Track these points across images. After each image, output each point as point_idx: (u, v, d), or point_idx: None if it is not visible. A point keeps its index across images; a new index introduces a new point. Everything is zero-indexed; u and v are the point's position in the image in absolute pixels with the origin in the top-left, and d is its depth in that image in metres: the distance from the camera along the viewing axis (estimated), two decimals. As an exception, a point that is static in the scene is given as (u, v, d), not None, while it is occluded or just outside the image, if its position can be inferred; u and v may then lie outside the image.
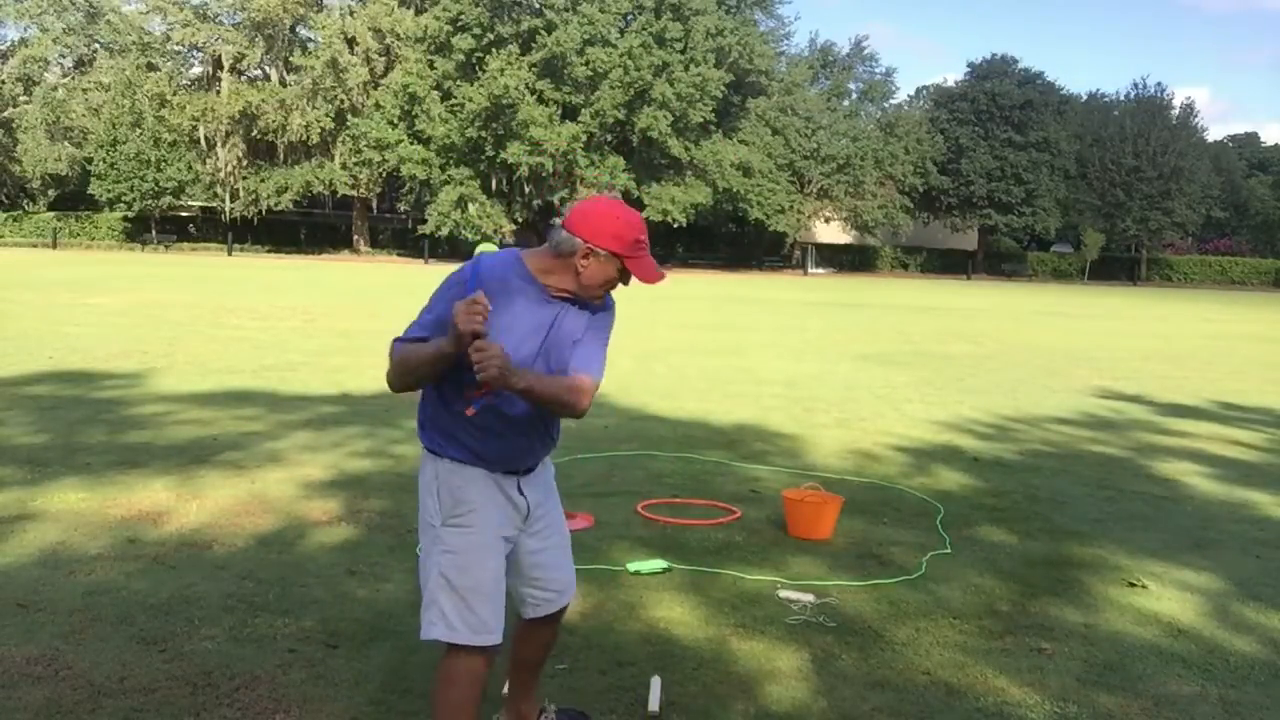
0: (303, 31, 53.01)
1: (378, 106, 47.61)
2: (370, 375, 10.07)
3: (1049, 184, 58.69)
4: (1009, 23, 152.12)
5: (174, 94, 49.00)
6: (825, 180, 53.88)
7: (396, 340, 2.46)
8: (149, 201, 46.81)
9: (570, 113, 46.49)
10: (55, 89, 50.98)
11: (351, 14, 50.71)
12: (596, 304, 2.53)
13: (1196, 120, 63.12)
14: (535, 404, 2.43)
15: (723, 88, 47.48)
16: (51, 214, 51.24)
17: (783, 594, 4.21)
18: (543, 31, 45.76)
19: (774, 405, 9.23)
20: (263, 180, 50.23)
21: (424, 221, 47.74)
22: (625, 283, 2.46)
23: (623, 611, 3.96)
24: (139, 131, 46.10)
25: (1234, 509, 6.05)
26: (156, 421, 7.30)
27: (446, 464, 2.48)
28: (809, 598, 4.17)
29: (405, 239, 53.65)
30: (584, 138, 45.31)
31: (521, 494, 2.57)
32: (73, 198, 52.42)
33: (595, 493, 5.71)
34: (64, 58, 52.72)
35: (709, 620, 3.91)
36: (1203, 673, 3.60)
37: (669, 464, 6.60)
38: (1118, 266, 64.09)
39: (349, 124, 48.43)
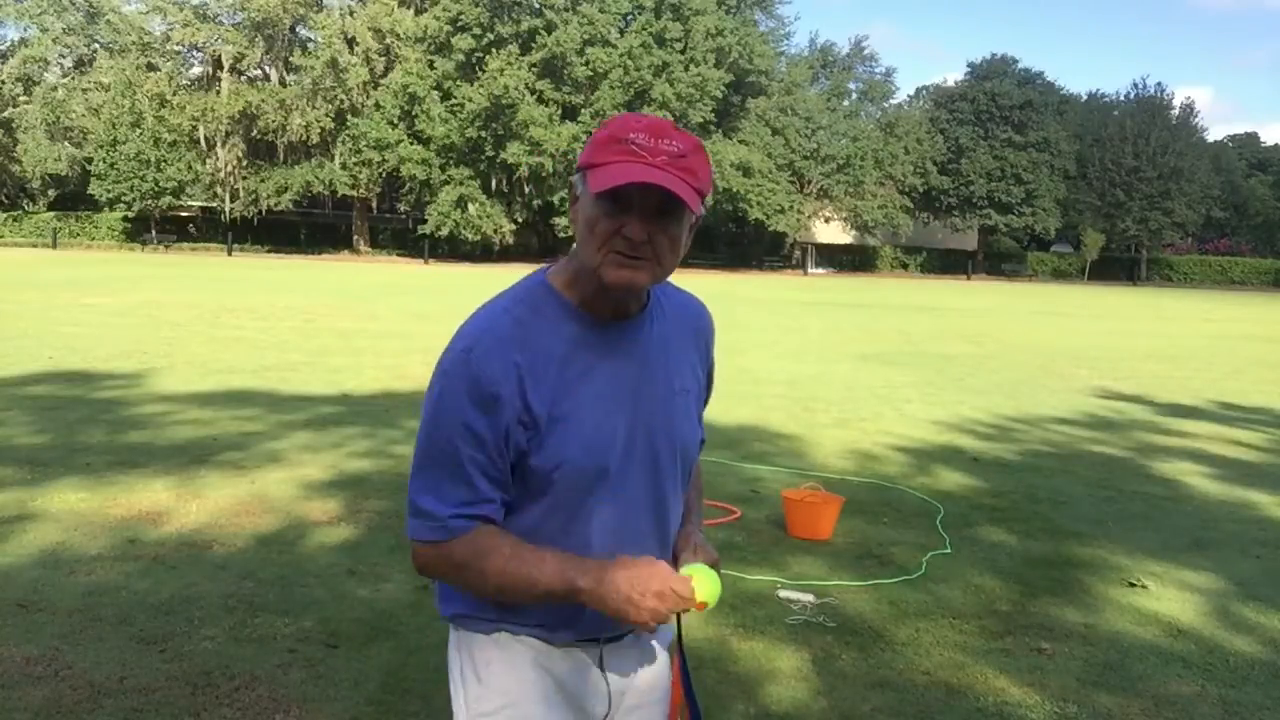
0: (303, 31, 52.99)
1: (378, 106, 47.62)
2: (370, 375, 10.07)
3: (1049, 184, 58.66)
4: (1009, 23, 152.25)
5: (174, 94, 48.96)
6: (825, 180, 53.86)
7: (445, 522, 1.46)
8: (149, 201, 46.78)
9: (570, 113, 46.48)
10: (55, 89, 50.93)
11: (351, 14, 50.70)
12: (693, 316, 1.67)
13: (1196, 120, 63.16)
14: None
15: (723, 88, 47.48)
16: (51, 214, 51.22)
17: (783, 594, 4.21)
18: (543, 31, 45.77)
19: (774, 405, 9.23)
20: (262, 180, 50.22)
21: (424, 221, 47.75)
22: (623, 231, 1.41)
23: (623, 611, 3.95)
24: (139, 131, 46.07)
25: (1234, 509, 6.05)
26: (156, 421, 7.29)
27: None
28: (809, 598, 4.17)
29: (405, 239, 53.63)
30: (584, 138, 45.27)
31: (602, 672, 1.63)
32: (73, 198, 52.40)
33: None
34: (64, 58, 52.66)
35: (709, 620, 3.90)
36: (1203, 673, 3.60)
37: (669, 464, 6.59)
38: (1118, 266, 64.06)
39: (349, 124, 48.44)
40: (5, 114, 50.14)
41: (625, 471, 1.53)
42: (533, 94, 45.32)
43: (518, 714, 1.57)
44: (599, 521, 1.53)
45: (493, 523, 1.49)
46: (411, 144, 46.59)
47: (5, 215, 50.90)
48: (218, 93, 50.02)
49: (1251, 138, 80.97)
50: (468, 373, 1.44)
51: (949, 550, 4.91)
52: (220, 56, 50.56)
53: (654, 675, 1.67)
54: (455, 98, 45.56)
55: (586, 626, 1.56)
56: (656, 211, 1.41)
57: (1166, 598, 4.38)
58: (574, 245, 1.51)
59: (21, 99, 50.39)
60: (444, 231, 46.53)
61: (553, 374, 1.46)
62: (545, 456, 1.47)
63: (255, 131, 49.91)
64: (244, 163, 50.74)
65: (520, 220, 48.46)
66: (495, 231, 46.86)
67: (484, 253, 48.46)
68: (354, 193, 50.85)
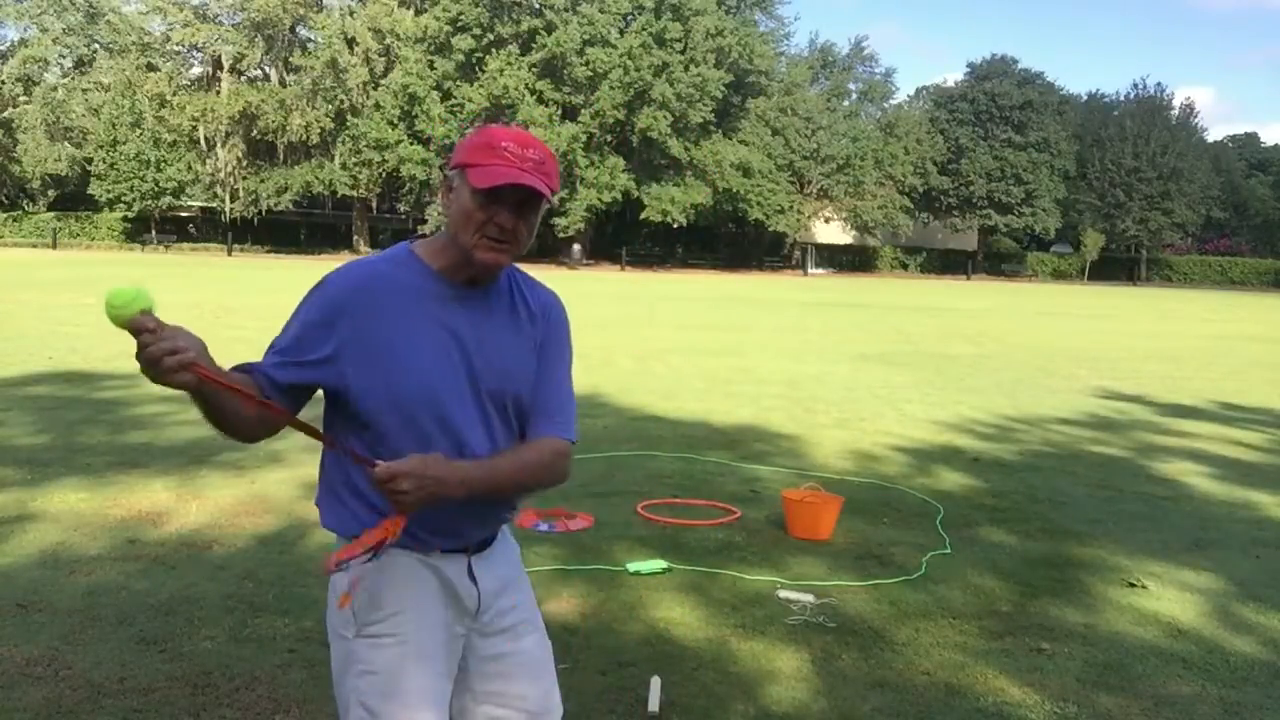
0: (303, 31, 53.02)
1: (378, 107, 47.65)
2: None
3: (1049, 184, 58.72)
4: (1009, 23, 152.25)
5: (174, 94, 49.01)
6: (825, 180, 53.90)
7: (262, 364, 1.85)
8: (149, 202, 46.80)
9: (570, 113, 46.52)
10: (55, 89, 50.94)
11: (351, 14, 50.73)
12: (539, 302, 1.94)
13: (1196, 120, 63.25)
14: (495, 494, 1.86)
15: (722, 88, 47.51)
16: (51, 214, 51.25)
17: (783, 594, 4.21)
18: (543, 32, 45.81)
19: (774, 405, 9.23)
20: (262, 180, 50.26)
21: (424, 221, 47.79)
22: (495, 220, 1.74)
23: (623, 611, 3.96)
24: (139, 132, 46.09)
25: (1234, 509, 6.05)
26: (156, 421, 7.29)
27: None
28: (809, 598, 4.17)
29: (405, 239, 53.65)
30: (584, 138, 45.32)
31: (472, 580, 1.88)
32: (73, 198, 52.42)
33: (595, 493, 5.71)
34: (64, 58, 52.66)
35: (709, 620, 3.90)
36: (1203, 673, 3.60)
37: (669, 464, 6.59)
38: (1118, 267, 64.13)
39: (349, 124, 48.47)
40: (5, 114, 50.15)
41: (461, 401, 1.79)
42: (533, 94, 45.35)
43: (402, 621, 1.81)
44: (439, 439, 1.78)
45: (266, 376, 1.80)
46: (411, 144, 46.63)
47: (5, 215, 50.92)
48: (218, 93, 50.05)
49: (1251, 138, 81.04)
50: (323, 295, 1.78)
51: (949, 550, 4.91)
52: (220, 56, 50.60)
53: (509, 574, 1.98)
54: (455, 98, 45.61)
55: (455, 538, 1.85)
56: (521, 205, 1.74)
57: (1166, 598, 4.38)
58: (441, 226, 1.86)
59: (21, 99, 50.39)
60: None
61: (395, 310, 1.77)
62: (397, 374, 1.75)
63: (255, 131, 49.93)
64: (244, 163, 50.77)
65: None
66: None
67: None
68: (354, 193, 50.88)
